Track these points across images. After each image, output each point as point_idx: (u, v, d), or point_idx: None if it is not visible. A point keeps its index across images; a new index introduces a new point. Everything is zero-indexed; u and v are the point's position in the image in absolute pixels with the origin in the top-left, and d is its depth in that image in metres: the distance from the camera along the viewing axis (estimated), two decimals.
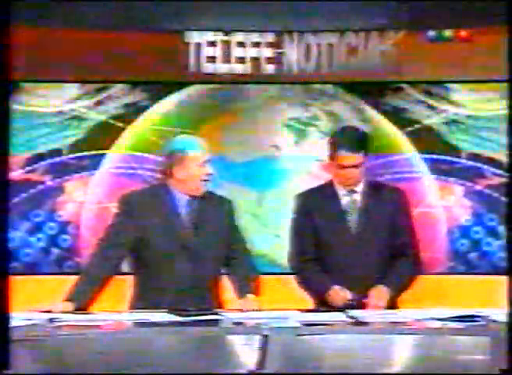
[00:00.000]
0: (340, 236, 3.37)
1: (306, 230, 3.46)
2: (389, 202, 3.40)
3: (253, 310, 3.09)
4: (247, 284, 3.30)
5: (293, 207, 3.56)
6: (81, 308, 3.07)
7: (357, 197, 3.40)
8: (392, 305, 3.32)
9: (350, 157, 3.31)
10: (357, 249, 3.35)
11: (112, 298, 3.28)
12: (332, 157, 3.36)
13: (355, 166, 3.32)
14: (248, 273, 3.37)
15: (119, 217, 3.35)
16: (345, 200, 3.40)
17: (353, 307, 3.15)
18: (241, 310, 3.10)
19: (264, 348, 2.48)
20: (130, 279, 3.38)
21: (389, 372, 2.49)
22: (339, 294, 3.28)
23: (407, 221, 3.41)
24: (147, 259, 3.31)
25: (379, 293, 3.25)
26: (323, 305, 3.35)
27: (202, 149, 3.34)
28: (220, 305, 3.31)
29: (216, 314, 2.93)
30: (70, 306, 3.05)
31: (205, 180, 3.32)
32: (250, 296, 3.22)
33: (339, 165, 3.34)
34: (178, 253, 3.28)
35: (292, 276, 3.52)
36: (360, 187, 3.40)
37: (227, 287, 3.39)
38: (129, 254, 3.33)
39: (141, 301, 3.31)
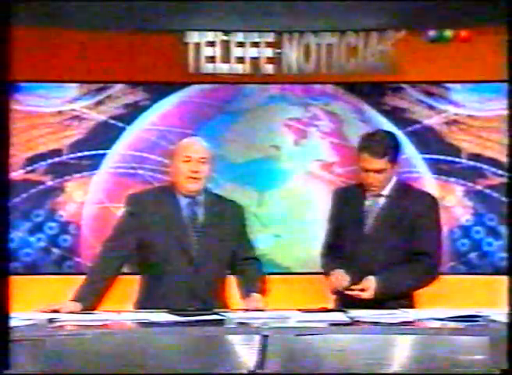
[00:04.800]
0: (355, 234, 3.42)
1: (332, 223, 3.56)
2: (412, 207, 3.39)
3: (258, 309, 3.08)
4: (253, 284, 3.29)
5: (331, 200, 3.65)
6: (89, 308, 3.08)
7: (381, 200, 3.42)
8: (408, 303, 3.37)
9: (372, 161, 3.31)
10: (368, 247, 3.38)
11: (113, 298, 3.28)
12: (358, 159, 3.38)
13: (377, 171, 3.32)
14: (254, 275, 3.36)
15: (124, 217, 3.36)
16: (368, 201, 3.43)
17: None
18: (246, 310, 3.09)
19: (264, 348, 2.48)
20: (131, 279, 3.38)
21: (389, 372, 2.49)
22: (340, 277, 3.34)
23: (428, 227, 3.41)
24: (150, 260, 3.31)
25: (365, 282, 3.27)
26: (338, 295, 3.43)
27: (192, 146, 3.32)
28: (225, 307, 3.28)
29: (216, 314, 2.93)
30: (78, 306, 3.05)
31: (193, 178, 3.27)
32: (255, 295, 3.21)
33: (362, 168, 3.36)
34: (178, 255, 3.27)
35: (291, 276, 3.53)
36: (387, 191, 3.42)
37: (233, 288, 3.38)
38: (134, 254, 3.33)
39: (145, 301, 3.31)
